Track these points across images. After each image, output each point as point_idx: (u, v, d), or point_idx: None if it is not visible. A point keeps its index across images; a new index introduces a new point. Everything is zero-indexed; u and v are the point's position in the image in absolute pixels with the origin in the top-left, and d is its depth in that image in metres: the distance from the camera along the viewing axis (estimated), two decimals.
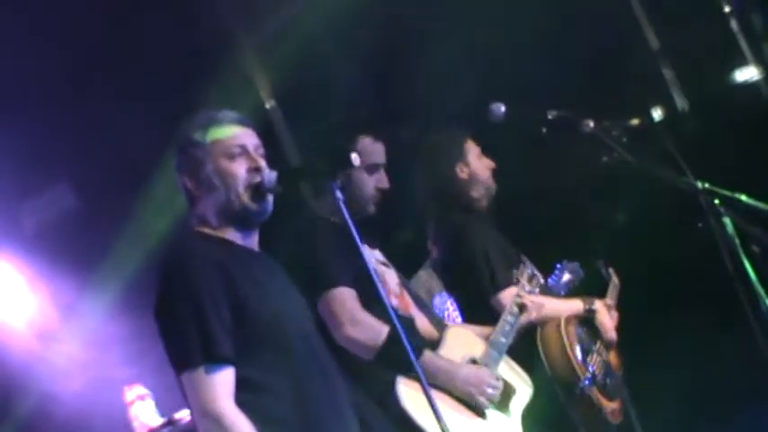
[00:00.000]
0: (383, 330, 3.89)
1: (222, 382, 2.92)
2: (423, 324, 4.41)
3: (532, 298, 4.59)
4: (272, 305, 3.08)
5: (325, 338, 3.53)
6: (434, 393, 3.08)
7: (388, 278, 4.40)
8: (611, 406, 4.71)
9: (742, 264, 3.74)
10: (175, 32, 6.42)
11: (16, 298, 7.18)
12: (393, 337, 3.51)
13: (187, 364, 2.94)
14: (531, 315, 4.56)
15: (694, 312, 6.02)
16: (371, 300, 3.81)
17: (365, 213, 4.31)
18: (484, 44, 6.47)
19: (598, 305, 4.91)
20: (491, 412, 4.17)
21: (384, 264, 4.49)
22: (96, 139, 6.64)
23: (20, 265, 7.09)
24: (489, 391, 4.13)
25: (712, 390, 6.09)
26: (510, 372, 4.42)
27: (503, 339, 4.41)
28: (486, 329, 4.50)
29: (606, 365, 4.81)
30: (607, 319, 4.89)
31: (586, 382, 4.60)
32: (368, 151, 4.30)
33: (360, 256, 3.04)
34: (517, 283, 4.63)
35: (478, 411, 4.13)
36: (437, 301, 5.24)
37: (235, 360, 2.96)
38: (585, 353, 4.75)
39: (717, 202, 3.82)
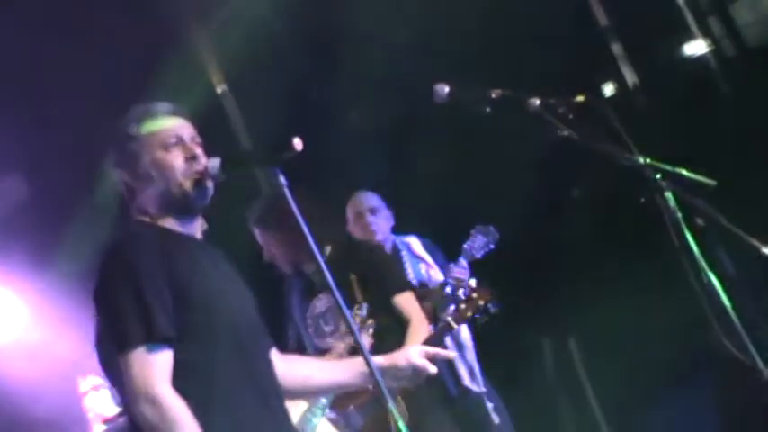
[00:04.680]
0: None
1: (161, 364, 2.93)
2: None
3: None
4: (214, 290, 3.09)
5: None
6: None
7: None
8: None
9: (685, 237, 3.79)
10: (127, 20, 6.40)
11: None
12: None
13: (126, 344, 2.93)
14: None
15: (640, 285, 6.08)
16: None
17: None
18: (430, 23, 6.48)
19: None
20: None
21: None
22: (49, 129, 6.61)
23: None
24: None
25: (653, 366, 6.17)
26: None
27: (323, 400, 4.46)
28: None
29: None
30: None
31: None
32: None
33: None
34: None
35: None
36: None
37: (175, 342, 2.96)
38: None
39: (659, 176, 3.86)
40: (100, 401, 6.19)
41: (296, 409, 4.37)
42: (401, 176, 6.29)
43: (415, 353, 3.36)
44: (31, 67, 6.41)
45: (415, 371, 3.34)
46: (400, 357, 3.35)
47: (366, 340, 4.52)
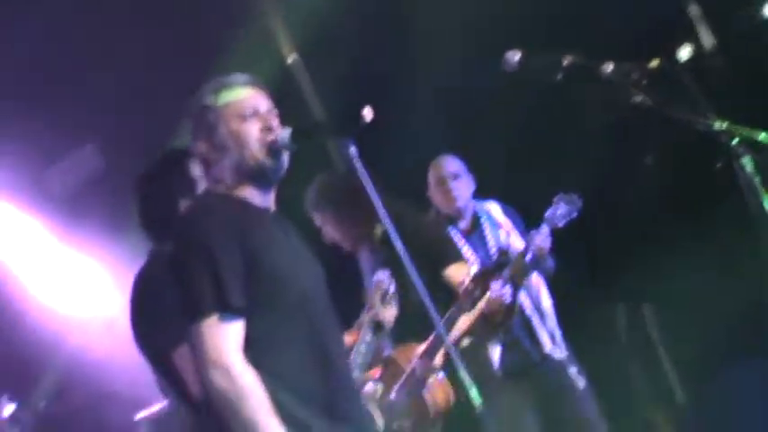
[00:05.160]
0: None
1: (233, 334, 2.94)
2: None
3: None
4: (286, 263, 3.10)
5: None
6: None
7: None
8: None
9: (762, 202, 3.73)
10: None
11: (45, 260, 7.29)
12: None
13: (198, 313, 2.95)
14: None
15: (715, 251, 6.02)
16: None
17: None
18: None
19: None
20: None
21: None
22: (124, 100, 6.69)
23: (48, 226, 7.19)
24: None
25: (727, 332, 6.10)
26: None
27: (358, 360, 4.45)
28: None
29: None
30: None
31: None
32: None
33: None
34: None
35: None
36: None
37: (246, 314, 2.98)
38: None
39: (736, 141, 3.80)
40: None
41: None
42: (474, 146, 6.25)
43: None
44: (107, 39, 6.48)
45: None
46: None
47: (391, 312, 4.51)
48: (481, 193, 5.81)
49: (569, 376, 5.45)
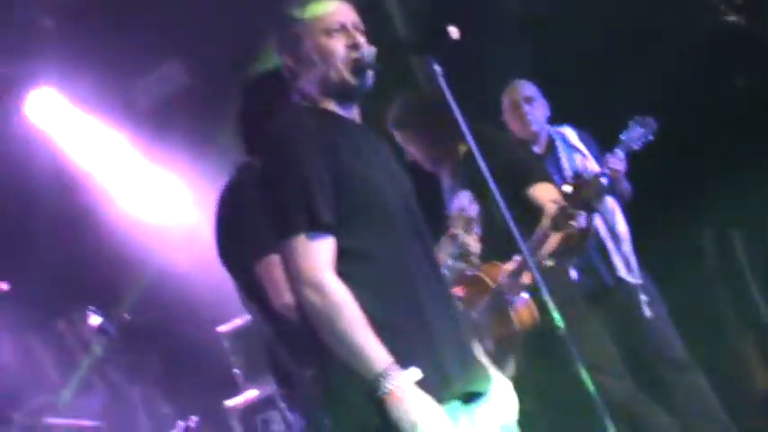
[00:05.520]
0: None
1: (323, 250, 2.94)
2: None
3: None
4: (375, 176, 3.07)
5: None
6: None
7: None
8: None
9: None
10: None
11: (130, 173, 7.40)
12: None
13: (289, 231, 2.94)
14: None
15: None
16: None
17: None
18: None
19: None
20: None
21: None
22: (208, 15, 6.69)
23: (134, 140, 7.28)
24: None
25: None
26: None
27: None
28: None
29: None
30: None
31: None
32: None
33: None
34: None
35: None
36: None
37: (337, 229, 2.97)
38: None
39: None
40: None
41: None
42: (554, 66, 6.15)
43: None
44: None
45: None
46: None
47: (475, 239, 4.48)
48: (563, 116, 5.76)
49: (639, 304, 5.44)
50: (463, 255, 4.41)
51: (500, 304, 4.66)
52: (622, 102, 5.59)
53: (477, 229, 4.47)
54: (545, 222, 4.57)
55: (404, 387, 2.82)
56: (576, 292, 5.01)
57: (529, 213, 4.64)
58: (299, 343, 3.04)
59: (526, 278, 4.58)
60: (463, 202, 4.51)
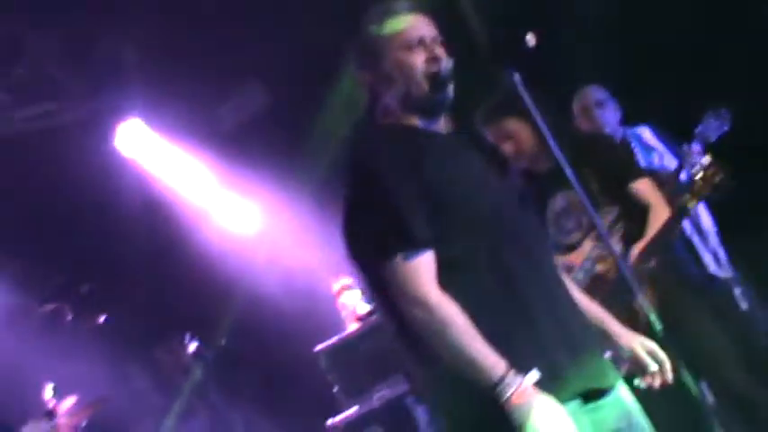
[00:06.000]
0: None
1: (423, 268, 2.92)
2: None
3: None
4: (465, 185, 3.04)
5: None
6: None
7: None
8: None
9: None
10: None
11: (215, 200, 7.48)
12: None
13: (384, 256, 2.93)
14: None
15: None
16: None
17: None
18: None
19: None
20: None
21: None
22: (283, 36, 6.75)
23: (219, 164, 7.35)
24: None
25: None
26: None
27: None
28: None
29: None
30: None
31: None
32: None
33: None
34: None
35: None
36: None
37: (433, 243, 2.95)
38: None
39: None
40: (352, 300, 6.39)
41: None
42: (629, 67, 6.11)
43: (639, 344, 3.26)
44: None
45: (635, 361, 3.25)
46: (624, 337, 3.26)
47: (615, 245, 4.46)
48: (638, 115, 5.80)
49: (734, 297, 5.43)
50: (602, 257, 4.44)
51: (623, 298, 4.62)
52: (697, 100, 5.53)
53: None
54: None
55: (524, 391, 2.81)
56: (687, 288, 4.95)
57: (635, 207, 4.65)
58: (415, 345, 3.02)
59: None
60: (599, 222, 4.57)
